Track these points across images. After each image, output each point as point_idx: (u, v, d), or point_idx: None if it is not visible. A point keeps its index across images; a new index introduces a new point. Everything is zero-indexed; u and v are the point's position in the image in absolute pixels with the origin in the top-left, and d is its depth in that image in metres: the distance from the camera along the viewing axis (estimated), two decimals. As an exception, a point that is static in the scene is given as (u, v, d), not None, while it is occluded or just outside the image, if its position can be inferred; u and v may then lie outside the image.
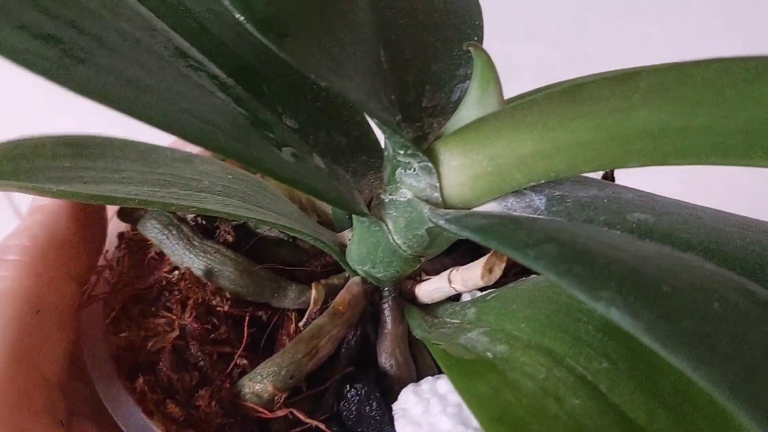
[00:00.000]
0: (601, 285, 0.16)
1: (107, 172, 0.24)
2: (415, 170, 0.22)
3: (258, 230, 0.27)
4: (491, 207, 0.22)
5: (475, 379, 0.20)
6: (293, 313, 0.26)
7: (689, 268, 0.18)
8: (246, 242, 0.26)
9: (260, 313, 0.26)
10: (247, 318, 0.25)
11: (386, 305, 0.25)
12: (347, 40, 0.21)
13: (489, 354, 0.21)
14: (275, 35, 0.19)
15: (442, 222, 0.21)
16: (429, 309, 0.26)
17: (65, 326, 0.24)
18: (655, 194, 0.23)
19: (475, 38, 0.24)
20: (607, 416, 0.19)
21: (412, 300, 0.26)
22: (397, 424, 0.22)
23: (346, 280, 0.26)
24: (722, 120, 0.19)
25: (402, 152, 0.22)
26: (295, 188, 0.21)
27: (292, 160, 0.22)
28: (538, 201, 0.22)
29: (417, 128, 0.23)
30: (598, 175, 0.29)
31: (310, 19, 0.20)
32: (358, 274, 0.26)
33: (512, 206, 0.22)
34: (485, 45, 0.23)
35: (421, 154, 0.21)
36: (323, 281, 0.26)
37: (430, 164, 0.22)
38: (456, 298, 0.26)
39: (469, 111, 0.22)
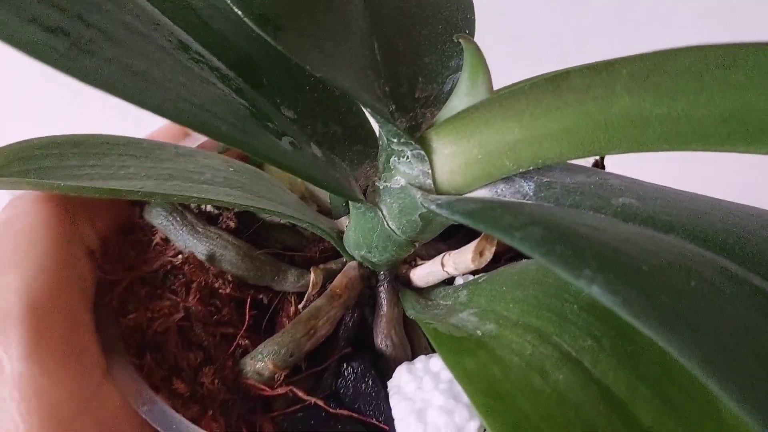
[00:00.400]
0: (583, 264, 0.17)
1: (113, 169, 0.25)
2: (408, 158, 0.23)
3: (261, 217, 0.27)
4: (482, 193, 0.23)
5: (465, 355, 0.21)
6: (293, 296, 0.26)
7: (669, 248, 0.19)
8: (248, 228, 0.27)
9: (261, 296, 0.26)
10: (249, 300, 0.26)
11: (382, 288, 0.26)
12: (341, 34, 0.22)
13: (478, 332, 0.22)
14: (272, 29, 0.20)
15: (433, 207, 0.22)
16: (423, 292, 0.27)
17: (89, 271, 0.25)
18: (641, 180, 0.24)
19: (467, 31, 0.24)
20: (589, 390, 0.20)
21: (408, 284, 0.27)
22: (392, 400, 0.23)
23: (344, 264, 0.27)
24: (701, 107, 0.19)
25: (395, 141, 0.23)
26: (294, 175, 0.22)
27: (290, 148, 0.23)
28: (527, 187, 0.23)
29: (410, 118, 0.24)
30: (588, 162, 0.29)
31: (305, 14, 0.21)
32: (355, 259, 0.26)
33: (502, 192, 0.23)
34: (481, 40, 0.23)
35: (413, 143, 0.22)
36: (322, 266, 0.26)
37: (422, 152, 0.22)
38: (450, 282, 0.27)
39: (459, 101, 0.22)
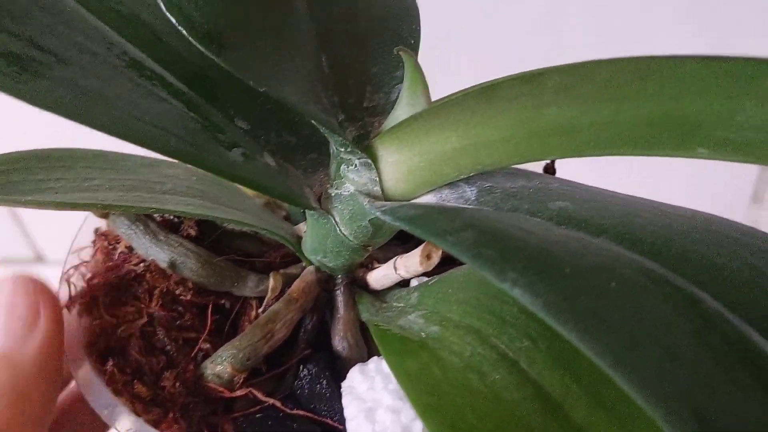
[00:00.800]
0: (509, 267, 0.18)
1: (78, 182, 0.25)
2: (356, 166, 0.23)
3: (222, 225, 0.28)
4: (427, 198, 0.24)
5: (407, 356, 0.21)
6: (255, 301, 0.27)
7: (596, 251, 0.20)
8: (210, 236, 0.28)
9: (223, 301, 0.27)
10: (210, 305, 0.26)
11: (339, 292, 0.27)
12: (286, 48, 0.22)
13: (423, 334, 0.22)
14: (215, 47, 0.21)
15: (378, 213, 0.22)
16: (380, 294, 0.27)
17: None
18: (581, 184, 0.24)
19: (412, 41, 0.25)
20: (524, 390, 0.20)
21: (365, 287, 0.28)
22: (344, 401, 0.24)
23: (303, 269, 0.27)
24: (624, 114, 0.20)
25: (343, 150, 0.23)
26: (243, 185, 0.23)
27: (241, 159, 0.23)
28: (470, 192, 0.23)
29: (359, 127, 0.25)
30: (541, 166, 0.30)
31: (248, 31, 0.21)
32: (313, 264, 0.27)
33: (446, 197, 0.23)
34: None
35: (359, 152, 0.23)
36: (281, 271, 0.27)
37: (368, 160, 0.23)
38: (407, 283, 0.28)
39: (402, 111, 0.23)
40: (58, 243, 0.80)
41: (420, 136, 0.22)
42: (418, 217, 0.21)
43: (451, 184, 0.24)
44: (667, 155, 0.21)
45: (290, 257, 0.28)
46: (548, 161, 0.28)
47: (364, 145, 0.23)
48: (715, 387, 0.17)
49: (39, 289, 0.26)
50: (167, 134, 0.22)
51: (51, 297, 0.26)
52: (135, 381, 0.24)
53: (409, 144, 0.22)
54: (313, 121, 0.22)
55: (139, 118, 0.21)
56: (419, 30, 0.25)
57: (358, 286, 0.27)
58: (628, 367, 0.16)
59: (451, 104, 0.21)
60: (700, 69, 0.18)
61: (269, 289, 0.26)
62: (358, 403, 0.23)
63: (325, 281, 0.27)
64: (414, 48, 0.25)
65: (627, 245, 0.21)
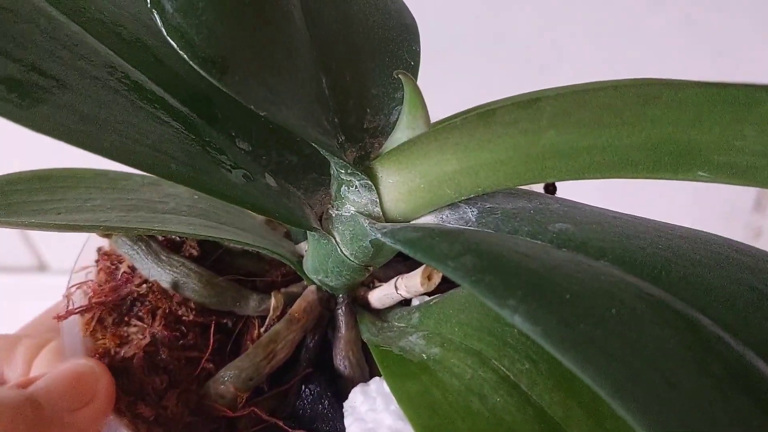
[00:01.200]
0: (509, 294, 0.17)
1: (80, 202, 0.25)
2: (356, 187, 0.23)
3: (223, 244, 0.28)
4: (428, 219, 0.24)
5: (408, 379, 0.21)
6: (257, 320, 0.27)
7: (596, 275, 0.19)
8: (212, 255, 0.28)
9: (226, 321, 0.27)
10: (213, 325, 0.26)
11: (340, 311, 0.27)
12: (286, 72, 0.22)
13: (424, 356, 0.22)
14: (216, 72, 0.20)
15: (378, 235, 0.22)
16: (381, 314, 0.27)
17: None
18: (582, 204, 0.24)
19: (412, 63, 0.25)
20: (525, 412, 0.20)
21: (366, 306, 0.28)
22: (346, 421, 0.24)
23: (304, 288, 0.27)
24: (624, 139, 0.20)
25: (343, 171, 0.23)
26: (243, 207, 0.23)
27: (243, 181, 0.23)
28: (470, 213, 0.23)
29: (360, 148, 0.24)
30: (541, 186, 0.30)
31: (249, 55, 0.21)
32: (314, 283, 0.27)
33: (447, 218, 0.23)
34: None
35: (360, 173, 0.23)
36: (283, 290, 0.27)
37: (369, 182, 0.23)
38: (408, 303, 0.27)
39: (402, 133, 0.23)
40: (61, 252, 0.80)
41: (420, 158, 0.22)
42: (418, 240, 0.20)
43: (452, 205, 0.24)
44: (667, 179, 0.21)
45: (291, 276, 0.28)
46: (550, 182, 0.28)
47: (365, 166, 0.23)
48: (716, 415, 0.16)
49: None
50: (168, 157, 0.21)
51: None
52: (138, 401, 0.24)
53: (409, 166, 0.22)
54: (313, 144, 0.22)
55: (140, 141, 0.21)
56: (419, 51, 0.25)
57: (359, 305, 0.27)
58: (627, 396, 0.16)
59: (450, 128, 0.21)
60: (699, 95, 0.18)
61: (271, 309, 0.26)
62: (360, 423, 0.23)
63: (327, 300, 0.27)
64: (414, 69, 0.25)
65: (627, 268, 0.20)
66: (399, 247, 0.21)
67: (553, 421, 0.20)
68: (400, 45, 0.25)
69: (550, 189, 0.28)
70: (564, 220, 0.22)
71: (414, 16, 0.27)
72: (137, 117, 0.22)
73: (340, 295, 0.27)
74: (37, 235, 0.78)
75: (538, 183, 0.23)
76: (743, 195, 0.69)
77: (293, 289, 0.27)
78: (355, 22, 0.26)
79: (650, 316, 0.18)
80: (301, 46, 0.23)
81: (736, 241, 0.23)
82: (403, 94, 0.24)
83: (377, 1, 0.26)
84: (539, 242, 0.22)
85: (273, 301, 0.26)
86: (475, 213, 0.23)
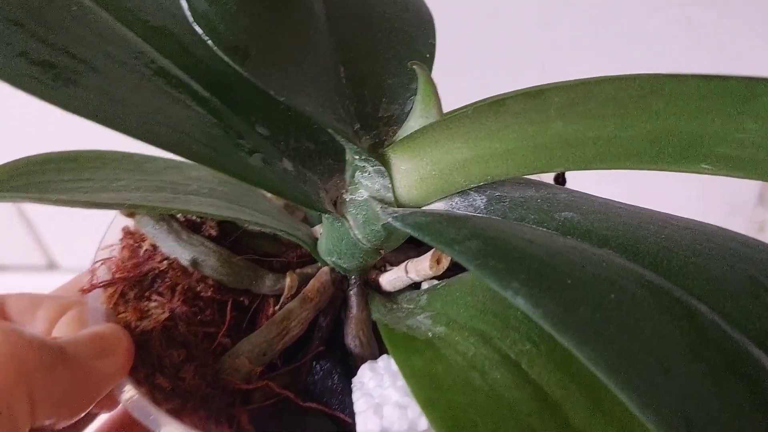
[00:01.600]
0: (513, 277, 0.18)
1: (106, 182, 0.26)
2: (370, 173, 0.24)
3: (242, 225, 0.29)
4: (438, 206, 0.24)
5: (413, 354, 0.22)
6: (272, 299, 0.28)
7: (598, 262, 0.20)
8: (230, 235, 0.28)
9: (242, 299, 0.28)
10: (230, 302, 0.27)
11: (352, 292, 0.27)
12: (305, 60, 0.23)
13: (429, 334, 0.23)
14: (240, 58, 0.21)
15: (390, 219, 0.23)
16: (391, 296, 0.28)
17: None
18: (589, 195, 0.25)
19: (428, 55, 0.26)
20: (524, 390, 0.21)
21: (377, 288, 0.28)
22: (354, 396, 0.24)
23: (318, 269, 0.28)
24: (628, 130, 0.20)
25: (357, 157, 0.24)
26: (262, 189, 0.23)
27: (261, 164, 0.24)
28: (480, 200, 0.24)
29: (374, 135, 0.25)
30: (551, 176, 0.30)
31: (270, 43, 0.22)
32: (328, 265, 0.28)
33: (456, 205, 0.24)
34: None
35: (373, 159, 0.23)
36: (298, 270, 0.28)
37: (382, 168, 0.23)
38: (418, 286, 0.28)
39: (415, 121, 0.23)
40: (71, 251, 0.81)
41: (431, 145, 0.23)
42: (427, 224, 0.21)
43: (462, 193, 0.24)
44: (671, 170, 0.21)
45: (306, 258, 0.29)
46: (558, 171, 0.28)
47: (378, 153, 0.24)
48: (707, 398, 0.17)
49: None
50: (190, 139, 0.22)
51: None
52: (156, 373, 0.25)
53: (420, 153, 0.23)
54: (329, 130, 0.22)
55: (164, 123, 0.22)
56: (434, 44, 0.26)
57: (370, 287, 0.28)
58: (622, 377, 0.16)
59: (461, 117, 0.21)
60: (700, 87, 0.18)
61: (286, 288, 0.27)
62: (367, 398, 0.24)
63: (340, 282, 0.28)
64: (429, 61, 0.26)
65: (629, 256, 0.21)
66: (409, 231, 0.22)
67: (552, 399, 0.21)
68: (416, 38, 0.26)
69: (560, 180, 0.29)
70: (570, 209, 0.23)
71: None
72: (162, 100, 0.23)
73: (353, 277, 0.28)
74: (48, 234, 0.79)
75: (547, 172, 0.23)
76: (746, 189, 0.68)
77: (308, 270, 0.28)
78: (374, 15, 0.26)
79: (649, 303, 0.19)
80: (321, 37, 0.24)
81: (739, 233, 0.24)
82: (417, 85, 0.25)
83: (395, -6, 0.27)
84: (545, 230, 0.22)
85: (288, 280, 0.27)
86: (484, 200, 0.24)
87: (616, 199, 0.25)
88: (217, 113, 0.24)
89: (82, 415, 0.24)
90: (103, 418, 0.29)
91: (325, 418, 0.25)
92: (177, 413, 0.25)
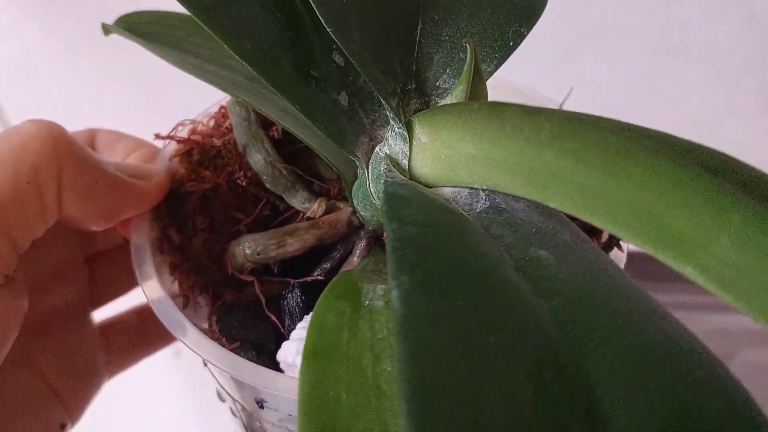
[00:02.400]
0: (408, 271, 0.17)
1: (215, 53, 0.29)
2: (396, 135, 0.24)
3: (303, 141, 0.30)
4: (445, 192, 0.23)
5: (333, 311, 0.22)
6: (302, 214, 0.29)
7: (511, 306, 0.18)
8: (293, 145, 0.30)
9: (279, 203, 0.30)
10: (264, 200, 0.29)
11: (361, 242, 0.28)
12: (376, 9, 0.23)
13: (367, 302, 0.23)
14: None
15: (382, 181, 0.23)
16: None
17: None
18: (593, 250, 0.22)
19: (511, 43, 0.24)
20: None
21: (383, 247, 0.28)
22: (300, 324, 0.25)
23: (345, 207, 0.29)
24: (611, 189, 0.17)
25: (390, 115, 0.24)
26: (296, 106, 0.24)
27: (313, 89, 0.25)
28: (481, 204, 0.22)
29: (424, 102, 0.24)
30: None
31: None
32: (353, 207, 0.28)
33: (459, 198, 0.23)
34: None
35: (398, 121, 0.23)
36: (331, 201, 0.29)
37: (405, 133, 0.23)
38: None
39: (450, 100, 0.22)
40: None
41: (448, 128, 0.22)
42: (395, 196, 0.21)
43: (474, 190, 0.23)
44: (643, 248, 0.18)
45: (344, 194, 0.30)
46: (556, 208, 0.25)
47: (407, 117, 0.23)
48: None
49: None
50: (256, 40, 0.24)
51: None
52: (174, 226, 0.28)
53: (438, 132, 0.22)
54: (366, 78, 0.23)
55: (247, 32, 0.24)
56: (525, 34, 0.24)
57: (379, 244, 0.28)
58: (419, 415, 0.15)
59: (469, 110, 0.20)
60: (673, 173, 0.15)
61: (311, 210, 0.28)
62: (302, 332, 0.25)
63: (357, 227, 0.28)
64: (510, 49, 0.24)
65: (561, 317, 0.18)
66: (380, 200, 0.22)
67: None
68: (511, 23, 0.24)
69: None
70: (553, 251, 0.21)
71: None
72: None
73: (369, 228, 0.28)
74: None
75: (541, 202, 0.21)
76: None
77: (339, 204, 0.29)
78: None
79: (524, 369, 0.17)
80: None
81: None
82: (488, 69, 0.24)
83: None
84: (505, 255, 0.20)
85: (316, 204, 0.28)
86: (485, 206, 0.22)
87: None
88: (304, 29, 0.26)
89: (106, 226, 0.27)
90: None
91: (271, 332, 0.26)
92: (174, 268, 0.28)
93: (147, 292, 0.26)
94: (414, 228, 0.19)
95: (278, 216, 0.30)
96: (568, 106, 0.34)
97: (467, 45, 0.22)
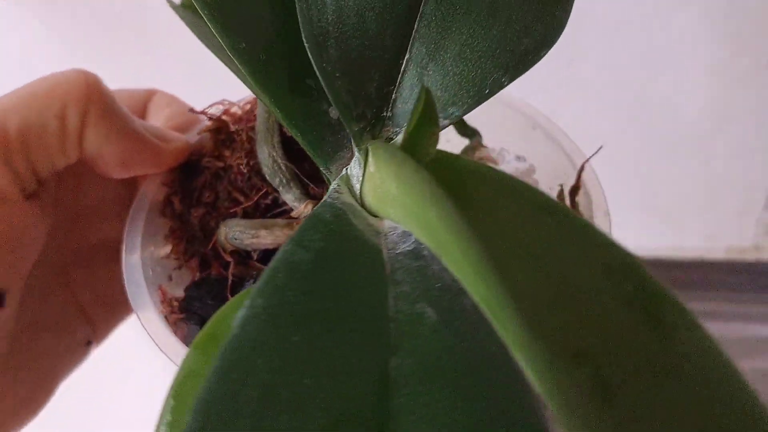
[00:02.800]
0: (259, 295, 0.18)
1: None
2: (356, 159, 0.24)
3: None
4: (384, 224, 0.23)
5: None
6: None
7: (334, 372, 0.17)
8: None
9: (279, 196, 0.31)
10: (264, 190, 0.30)
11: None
12: (363, 37, 0.23)
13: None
14: None
15: (325, 199, 0.23)
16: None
17: None
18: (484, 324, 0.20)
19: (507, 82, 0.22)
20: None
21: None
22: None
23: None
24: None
25: (353, 139, 0.24)
26: (282, 113, 0.25)
27: (306, 99, 0.26)
28: (405, 246, 0.22)
29: (395, 132, 0.24)
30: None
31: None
32: (334, 215, 0.29)
33: (392, 234, 0.22)
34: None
35: (354, 145, 0.23)
36: (318, 203, 0.29)
37: (361, 158, 0.23)
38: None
39: (400, 138, 0.22)
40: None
41: (384, 165, 0.21)
42: (313, 218, 0.21)
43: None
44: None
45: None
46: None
47: (364, 143, 0.23)
48: None
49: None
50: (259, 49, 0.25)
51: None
52: (178, 196, 0.31)
53: (379, 165, 0.22)
54: (331, 102, 0.23)
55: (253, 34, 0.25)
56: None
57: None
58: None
59: (390, 152, 0.20)
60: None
61: (296, 211, 0.29)
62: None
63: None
64: (501, 85, 0.23)
65: (399, 380, 0.18)
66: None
67: None
68: (494, 71, 0.23)
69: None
70: (443, 312, 0.20)
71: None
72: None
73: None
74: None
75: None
76: (755, 192, 0.71)
77: (325, 210, 0.29)
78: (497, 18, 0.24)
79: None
80: (394, 27, 0.23)
81: None
82: (456, 113, 0.23)
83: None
84: (389, 303, 0.20)
85: (302, 206, 0.29)
86: (408, 249, 0.22)
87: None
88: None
89: (121, 174, 0.30)
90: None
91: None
92: (171, 232, 0.30)
93: (125, 259, 0.29)
94: (307, 254, 0.19)
95: (277, 207, 0.31)
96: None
97: (422, 93, 0.21)
